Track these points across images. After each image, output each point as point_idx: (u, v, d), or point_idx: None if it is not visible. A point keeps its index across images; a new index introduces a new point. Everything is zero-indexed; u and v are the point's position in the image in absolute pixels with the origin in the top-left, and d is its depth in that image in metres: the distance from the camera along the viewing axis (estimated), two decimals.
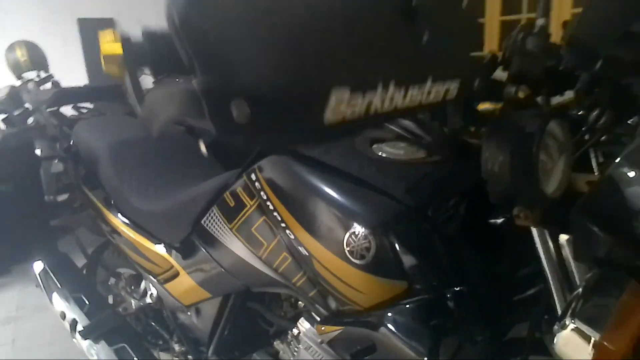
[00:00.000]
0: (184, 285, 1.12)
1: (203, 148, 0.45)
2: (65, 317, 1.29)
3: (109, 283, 1.45)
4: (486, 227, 0.70)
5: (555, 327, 0.46)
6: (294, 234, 0.79)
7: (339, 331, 0.75)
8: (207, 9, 0.31)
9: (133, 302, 1.34)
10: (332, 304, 0.77)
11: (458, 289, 0.66)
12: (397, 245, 0.66)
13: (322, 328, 0.80)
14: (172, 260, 1.14)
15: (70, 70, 3.73)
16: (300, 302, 0.98)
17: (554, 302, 0.58)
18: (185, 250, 1.10)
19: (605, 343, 0.41)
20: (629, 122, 0.47)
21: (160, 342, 1.38)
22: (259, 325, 1.08)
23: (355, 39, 0.35)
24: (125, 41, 0.42)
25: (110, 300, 1.43)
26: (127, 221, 1.24)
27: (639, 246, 0.42)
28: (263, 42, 0.32)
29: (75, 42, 4.30)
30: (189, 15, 0.31)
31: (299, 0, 0.33)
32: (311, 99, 0.34)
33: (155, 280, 1.22)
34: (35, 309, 2.31)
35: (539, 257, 0.59)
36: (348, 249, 0.69)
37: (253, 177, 0.88)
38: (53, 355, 2.02)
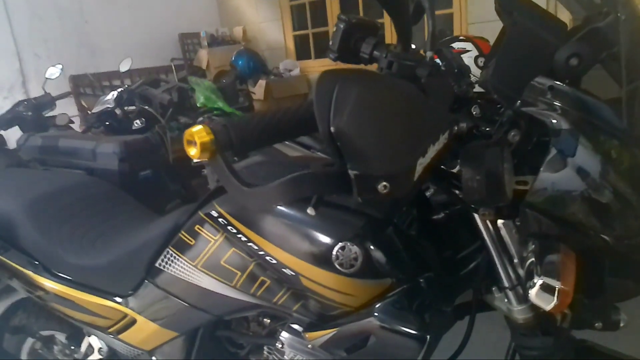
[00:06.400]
0: (145, 331, 1.12)
1: (311, 211, 0.57)
2: None
3: (37, 349, 1.34)
4: (431, 224, 0.90)
5: (529, 283, 0.67)
6: (275, 259, 0.89)
7: (332, 333, 0.87)
8: (353, 127, 0.45)
9: None
10: (320, 312, 0.90)
11: (427, 275, 0.84)
12: (378, 251, 0.82)
13: (309, 335, 0.92)
14: (125, 309, 1.13)
15: None
16: (266, 320, 1.07)
17: (497, 270, 0.79)
18: (141, 296, 1.11)
19: (564, 287, 0.63)
20: (534, 139, 0.70)
21: None
22: (228, 351, 1.14)
23: None
24: (218, 132, 0.52)
25: None
26: (61, 281, 1.18)
27: (562, 222, 0.64)
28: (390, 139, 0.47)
29: None
30: (342, 132, 0.46)
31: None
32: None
33: (104, 334, 1.19)
34: None
35: (480, 239, 0.80)
36: (337, 262, 0.82)
37: (214, 213, 0.95)
38: None
